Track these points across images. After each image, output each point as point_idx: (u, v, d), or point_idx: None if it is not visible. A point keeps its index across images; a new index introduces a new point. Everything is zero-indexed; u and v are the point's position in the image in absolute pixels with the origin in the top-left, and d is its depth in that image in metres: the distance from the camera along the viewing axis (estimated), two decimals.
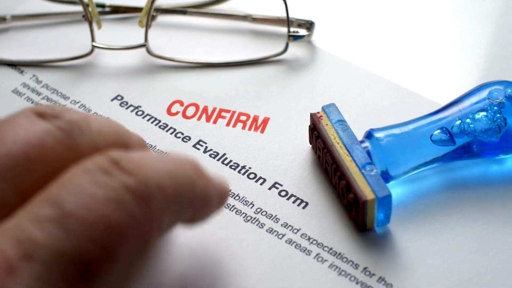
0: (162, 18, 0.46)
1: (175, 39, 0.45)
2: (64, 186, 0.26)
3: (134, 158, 0.27)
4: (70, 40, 0.45)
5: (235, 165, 0.39)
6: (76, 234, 0.25)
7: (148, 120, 0.41)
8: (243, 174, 0.38)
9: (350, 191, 0.35)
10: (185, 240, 0.35)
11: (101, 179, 0.26)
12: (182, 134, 0.40)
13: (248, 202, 0.37)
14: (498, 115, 0.36)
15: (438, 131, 0.36)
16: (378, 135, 0.36)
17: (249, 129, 0.40)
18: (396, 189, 0.36)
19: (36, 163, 0.26)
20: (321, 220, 0.36)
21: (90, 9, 0.43)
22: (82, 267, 0.24)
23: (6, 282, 0.23)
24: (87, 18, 0.43)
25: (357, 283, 0.34)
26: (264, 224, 0.36)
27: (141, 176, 0.26)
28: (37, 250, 0.24)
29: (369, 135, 0.37)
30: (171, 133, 0.40)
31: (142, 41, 0.43)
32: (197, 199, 0.29)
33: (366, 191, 0.34)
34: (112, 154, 0.27)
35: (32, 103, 0.42)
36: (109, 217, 0.25)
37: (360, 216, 0.35)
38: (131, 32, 0.45)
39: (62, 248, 0.24)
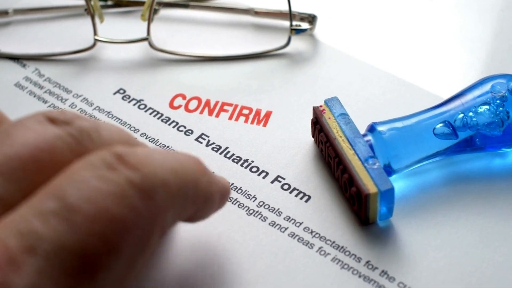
0: (164, 12, 0.46)
1: (178, 32, 0.45)
2: (67, 180, 0.26)
3: (139, 153, 0.27)
4: (73, 33, 0.45)
5: (238, 158, 0.39)
6: (79, 227, 0.25)
7: (150, 114, 0.41)
8: (246, 167, 0.38)
9: (353, 184, 0.35)
10: (187, 234, 0.35)
11: (105, 173, 0.26)
12: (185, 127, 0.40)
13: (251, 195, 0.37)
14: (501, 108, 0.36)
15: (441, 124, 0.36)
16: (380, 128, 0.36)
17: (252, 122, 0.40)
18: (398, 183, 0.36)
19: (44, 166, 0.27)
20: (324, 213, 0.36)
21: (92, 2, 0.43)
22: (85, 261, 0.24)
23: (8, 276, 0.23)
24: (89, 11, 0.43)
25: (359, 276, 0.34)
26: (267, 218, 0.36)
27: (146, 172, 0.27)
28: (39, 244, 0.24)
29: (371, 128, 0.37)
30: (174, 127, 0.40)
31: (144, 34, 0.43)
32: (200, 196, 0.30)
33: (369, 185, 0.34)
34: (117, 149, 0.27)
35: (34, 96, 0.42)
36: (113, 210, 0.25)
37: (363, 209, 0.35)
38: (133, 26, 0.45)
39: (65, 242, 0.24)
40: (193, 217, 0.31)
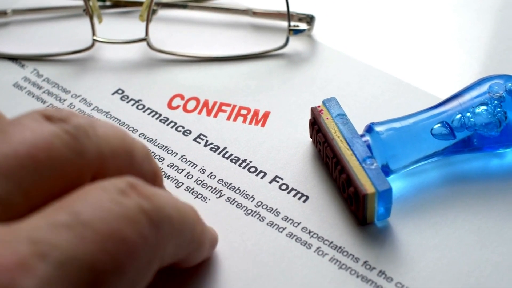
0: (162, 12, 0.46)
1: (176, 33, 0.45)
2: (81, 198, 0.26)
3: (149, 187, 0.28)
4: (71, 34, 0.45)
5: (236, 158, 0.39)
6: (90, 242, 0.25)
7: (149, 114, 0.41)
8: (244, 167, 0.38)
9: (351, 184, 0.35)
10: None
11: (118, 197, 0.27)
12: (183, 128, 0.40)
13: (249, 195, 0.37)
14: (499, 109, 0.36)
15: (439, 125, 0.37)
16: (378, 129, 0.36)
17: (250, 123, 0.40)
18: (396, 183, 0.36)
19: (42, 164, 0.27)
20: (322, 213, 0.36)
21: (91, 3, 0.43)
22: (92, 275, 0.25)
23: (17, 279, 0.24)
24: (88, 12, 0.43)
25: (357, 276, 0.34)
26: (265, 218, 0.36)
27: (156, 202, 0.28)
28: (51, 251, 0.24)
29: (369, 129, 0.37)
30: (172, 127, 0.40)
31: (143, 35, 0.43)
32: (194, 240, 0.31)
33: (367, 185, 0.34)
34: (129, 179, 0.28)
35: (33, 97, 0.42)
36: (123, 232, 0.26)
37: (361, 210, 0.35)
38: (132, 26, 0.45)
39: (75, 254, 0.25)
40: (183, 261, 0.32)
